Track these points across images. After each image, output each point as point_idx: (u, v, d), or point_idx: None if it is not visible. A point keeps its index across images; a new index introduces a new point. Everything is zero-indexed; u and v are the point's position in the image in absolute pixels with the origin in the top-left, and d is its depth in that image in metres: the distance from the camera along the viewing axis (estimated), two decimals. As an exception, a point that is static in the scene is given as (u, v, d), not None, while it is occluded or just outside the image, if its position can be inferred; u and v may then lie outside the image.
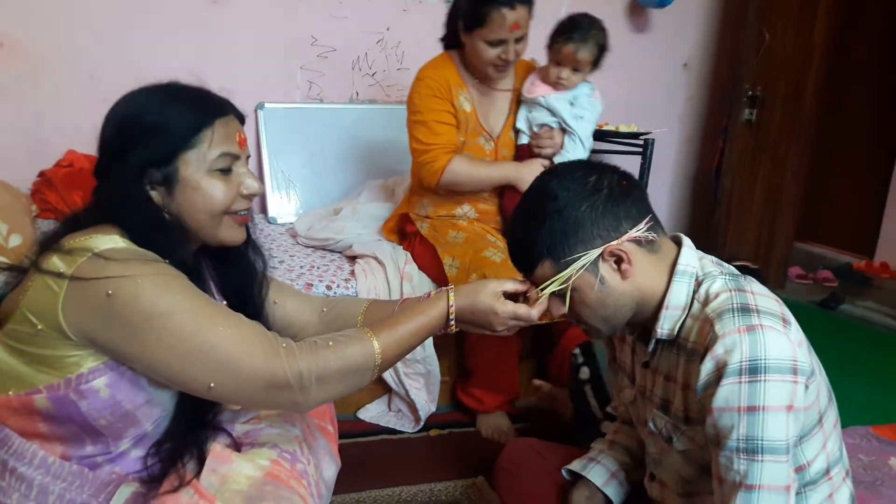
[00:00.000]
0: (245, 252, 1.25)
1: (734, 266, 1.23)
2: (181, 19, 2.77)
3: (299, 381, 1.02)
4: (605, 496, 1.38)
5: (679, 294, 1.15)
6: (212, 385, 1.01)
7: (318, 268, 2.27)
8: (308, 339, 1.09)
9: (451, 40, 2.23)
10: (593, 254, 1.12)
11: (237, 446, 1.22)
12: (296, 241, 2.56)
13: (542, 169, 2.12)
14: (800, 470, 1.12)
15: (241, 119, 1.17)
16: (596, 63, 2.16)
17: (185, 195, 1.09)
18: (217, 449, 1.16)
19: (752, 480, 1.03)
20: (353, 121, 3.01)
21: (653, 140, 3.08)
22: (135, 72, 2.53)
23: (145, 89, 1.12)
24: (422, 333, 1.17)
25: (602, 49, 2.14)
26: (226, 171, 1.12)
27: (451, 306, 1.18)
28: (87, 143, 2.64)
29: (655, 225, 1.16)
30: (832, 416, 1.18)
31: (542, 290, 1.15)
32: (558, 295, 1.16)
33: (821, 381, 1.14)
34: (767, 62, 3.48)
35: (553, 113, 2.16)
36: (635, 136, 3.11)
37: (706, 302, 1.12)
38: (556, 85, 2.15)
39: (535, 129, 2.20)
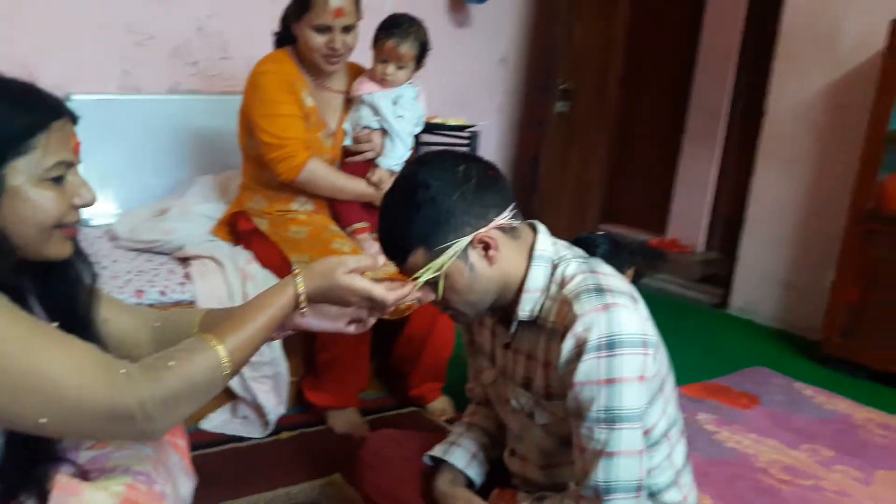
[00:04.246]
0: (72, 264, 1.12)
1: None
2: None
3: (143, 411, 0.93)
4: (468, 477, 1.43)
5: (537, 277, 1.22)
6: (42, 421, 0.90)
7: (146, 272, 2.12)
8: (146, 360, 0.99)
9: (285, 37, 2.22)
10: (464, 241, 1.16)
11: (84, 475, 1.12)
12: (116, 244, 2.36)
13: None
14: (645, 434, 1.22)
15: (75, 120, 1.05)
16: (419, 60, 2.23)
17: (11, 207, 0.96)
18: (62, 480, 1.04)
19: (613, 448, 1.12)
20: (175, 112, 2.83)
21: (479, 132, 3.21)
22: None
23: None
24: (272, 327, 1.10)
25: (424, 46, 2.21)
26: (58, 180, 1.00)
27: (301, 294, 1.11)
28: None
29: (517, 212, 1.23)
30: (670, 381, 1.30)
31: (417, 278, 1.18)
32: (430, 282, 1.19)
33: (662, 351, 1.26)
34: (577, 56, 3.74)
35: (376, 111, 2.19)
36: (462, 128, 3.22)
37: (563, 284, 1.20)
38: (382, 82, 2.20)
39: (357, 132, 2.22)
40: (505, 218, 1.19)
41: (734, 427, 2.32)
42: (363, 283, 1.13)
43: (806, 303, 3.31)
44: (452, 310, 1.25)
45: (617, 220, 5.19)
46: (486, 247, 1.18)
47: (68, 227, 1.04)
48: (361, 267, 1.15)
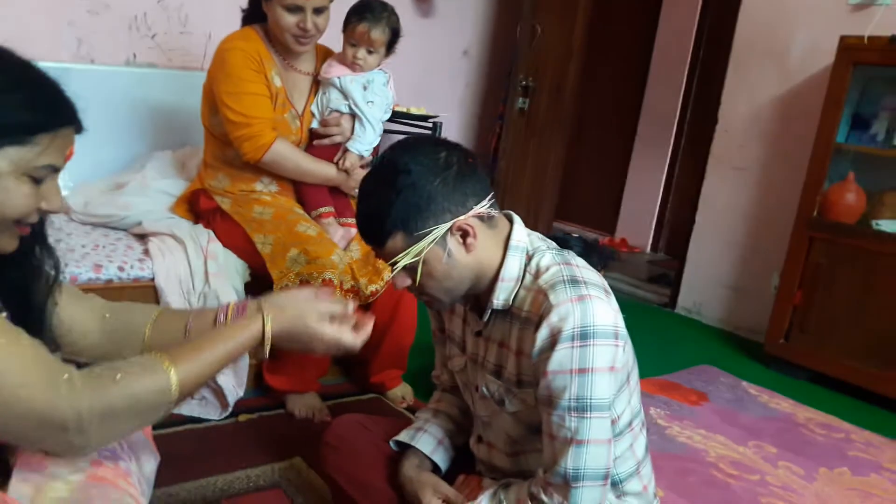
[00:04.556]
0: (32, 253, 1.08)
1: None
2: None
3: (78, 423, 0.89)
4: (434, 462, 1.43)
5: (512, 267, 1.23)
6: None
7: (103, 247, 2.06)
8: (94, 369, 0.95)
9: (253, 14, 2.18)
10: (443, 227, 1.17)
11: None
12: (70, 217, 2.28)
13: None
14: (612, 423, 1.26)
15: (80, 131, 1.03)
16: (390, 47, 2.22)
17: None
18: (25, 455, 1.01)
19: (582, 436, 1.14)
20: (131, 85, 2.74)
21: (441, 123, 3.22)
22: None
23: None
24: (228, 361, 1.06)
25: (395, 33, 2.20)
26: (38, 181, 0.97)
27: (267, 335, 1.08)
28: None
29: (495, 202, 1.24)
30: (635, 374, 1.34)
31: (395, 263, 1.18)
32: (406, 268, 1.19)
33: (629, 344, 1.29)
34: (538, 54, 3.78)
35: (345, 96, 2.18)
36: (425, 118, 3.23)
37: (538, 274, 1.21)
38: (353, 66, 2.18)
39: (326, 115, 2.20)
40: (484, 206, 1.20)
41: (685, 422, 2.40)
42: (333, 332, 1.12)
43: (750, 305, 3.43)
44: (427, 296, 1.25)
45: (568, 218, 5.28)
46: (465, 234, 1.19)
47: (24, 225, 1.00)
48: (335, 314, 1.13)
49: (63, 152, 1.00)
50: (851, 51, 2.83)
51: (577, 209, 5.29)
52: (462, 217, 1.18)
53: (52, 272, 1.11)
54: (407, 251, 1.17)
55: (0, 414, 0.87)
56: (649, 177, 4.94)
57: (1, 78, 0.93)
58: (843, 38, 2.86)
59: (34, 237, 1.06)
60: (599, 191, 5.27)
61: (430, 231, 1.16)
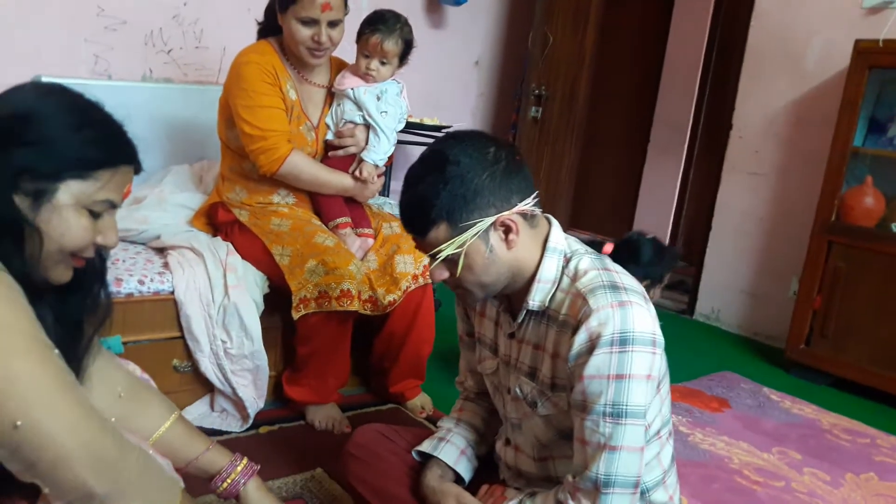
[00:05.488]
0: (91, 285, 1.12)
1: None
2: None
3: (120, 455, 0.94)
4: (456, 473, 1.42)
5: (550, 268, 1.23)
6: (19, 424, 0.85)
7: (123, 261, 2.06)
8: None
9: (269, 28, 2.19)
10: (487, 221, 1.17)
11: None
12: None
13: (378, 188, 2.22)
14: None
15: (139, 171, 1.08)
16: (403, 58, 2.22)
17: (48, 219, 0.97)
18: None
19: (616, 442, 1.13)
20: (147, 100, 2.75)
21: (455, 133, 3.22)
22: None
23: (64, 92, 1.02)
24: None
25: (408, 44, 2.21)
26: (96, 215, 1.02)
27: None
28: None
29: (538, 201, 1.23)
30: (666, 382, 1.33)
31: (435, 254, 1.18)
32: (446, 260, 1.19)
33: (663, 352, 1.28)
34: (550, 63, 3.78)
35: (359, 106, 2.18)
36: (438, 128, 3.23)
37: (575, 277, 1.21)
38: (366, 77, 2.18)
39: (340, 126, 2.21)
40: (528, 204, 1.20)
41: (707, 430, 2.37)
42: None
43: (769, 311, 3.40)
44: (463, 289, 1.25)
45: (581, 225, 5.25)
46: (507, 230, 1.19)
47: (80, 258, 1.04)
48: None
49: (121, 189, 1.04)
50: (866, 54, 2.82)
51: (591, 217, 5.27)
52: (506, 213, 1.18)
53: (106, 308, 1.15)
54: (450, 242, 1.17)
55: (51, 423, 0.87)
56: (663, 184, 4.92)
57: (69, 116, 0.99)
58: (857, 42, 2.85)
59: (95, 273, 1.10)
60: (613, 198, 5.25)
61: (474, 224, 1.16)
